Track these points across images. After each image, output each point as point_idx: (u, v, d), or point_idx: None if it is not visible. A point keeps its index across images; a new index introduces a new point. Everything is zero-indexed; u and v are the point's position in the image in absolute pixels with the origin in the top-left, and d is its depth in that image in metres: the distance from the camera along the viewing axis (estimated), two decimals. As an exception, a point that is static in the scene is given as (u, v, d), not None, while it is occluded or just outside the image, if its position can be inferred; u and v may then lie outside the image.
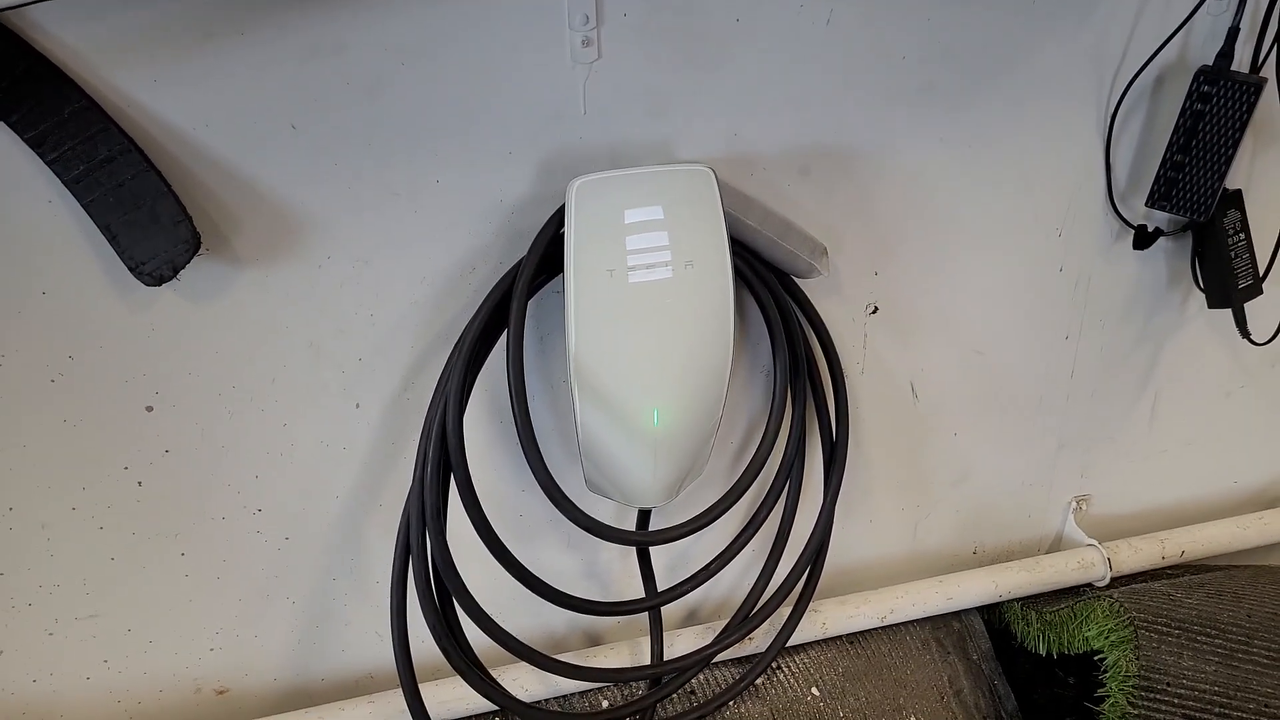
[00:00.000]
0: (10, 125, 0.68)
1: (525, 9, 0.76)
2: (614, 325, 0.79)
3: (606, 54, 0.79)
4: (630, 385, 0.81)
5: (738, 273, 0.86)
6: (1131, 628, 0.95)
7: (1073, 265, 1.00)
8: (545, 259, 0.79)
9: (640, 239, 0.78)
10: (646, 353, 0.80)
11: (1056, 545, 1.18)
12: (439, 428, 0.77)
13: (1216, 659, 0.94)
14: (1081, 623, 1.01)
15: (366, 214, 0.79)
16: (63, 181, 0.70)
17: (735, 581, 1.06)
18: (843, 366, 0.96)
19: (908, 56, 0.86)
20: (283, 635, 0.92)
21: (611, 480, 0.86)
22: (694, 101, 0.82)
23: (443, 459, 0.77)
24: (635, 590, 0.99)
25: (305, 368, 0.83)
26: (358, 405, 0.86)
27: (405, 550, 0.79)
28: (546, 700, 0.96)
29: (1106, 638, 0.97)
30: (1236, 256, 0.96)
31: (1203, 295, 1.01)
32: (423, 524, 0.77)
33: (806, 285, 0.92)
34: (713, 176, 0.78)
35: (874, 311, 0.97)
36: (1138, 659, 0.93)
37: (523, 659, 0.84)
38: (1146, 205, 0.95)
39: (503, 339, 0.79)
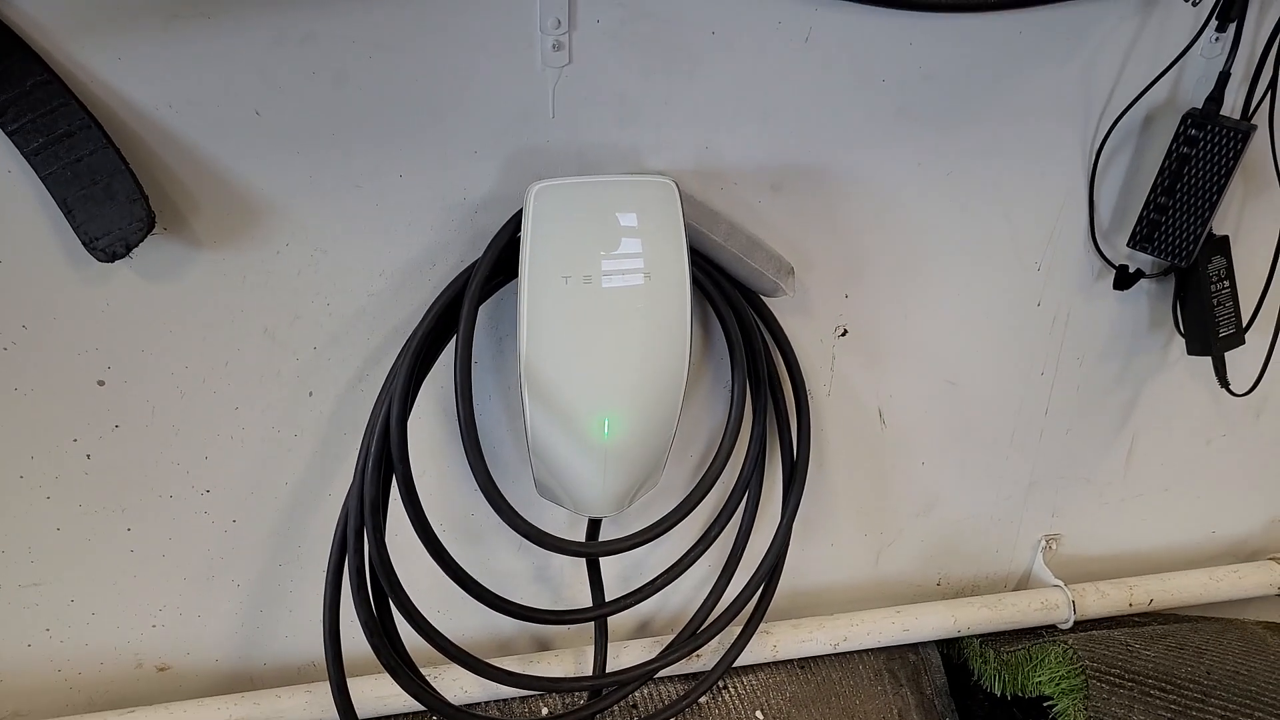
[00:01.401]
0: (-28, 95, 0.69)
1: (496, 9, 0.75)
2: (567, 333, 0.78)
3: (578, 59, 0.78)
4: (581, 395, 0.80)
5: (699, 287, 0.86)
6: (1083, 676, 0.93)
7: (1051, 300, 0.98)
8: (502, 261, 0.79)
9: (598, 248, 0.77)
10: (599, 363, 0.80)
11: (1024, 583, 1.16)
12: (381, 425, 0.77)
13: (1168, 715, 0.92)
14: (1036, 666, 0.99)
15: (327, 203, 0.79)
16: (21, 153, 0.70)
17: (689, 596, 1.05)
18: (808, 387, 0.95)
19: (887, 79, 0.84)
20: (226, 617, 0.92)
21: (561, 488, 0.86)
22: (665, 111, 0.82)
23: (384, 456, 0.77)
24: (587, 596, 0.98)
25: (260, 353, 0.83)
26: (310, 394, 0.85)
27: (342, 546, 0.78)
28: (485, 704, 0.96)
29: (1058, 684, 0.95)
30: (1219, 304, 0.94)
31: (1183, 340, 0.99)
32: (360, 520, 0.77)
33: (774, 304, 0.91)
34: (675, 189, 0.78)
35: (843, 334, 0.95)
36: (1086, 709, 0.91)
37: (456, 662, 0.84)
38: (1128, 246, 0.93)
39: (454, 340, 0.79)
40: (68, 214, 0.72)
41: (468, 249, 0.83)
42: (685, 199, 0.79)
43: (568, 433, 0.81)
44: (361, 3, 0.73)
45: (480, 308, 0.80)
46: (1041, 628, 1.08)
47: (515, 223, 0.78)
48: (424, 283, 0.84)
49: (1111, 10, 0.86)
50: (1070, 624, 1.07)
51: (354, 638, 0.81)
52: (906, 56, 0.84)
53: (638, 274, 0.78)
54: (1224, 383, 0.97)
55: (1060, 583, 1.09)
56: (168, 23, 0.70)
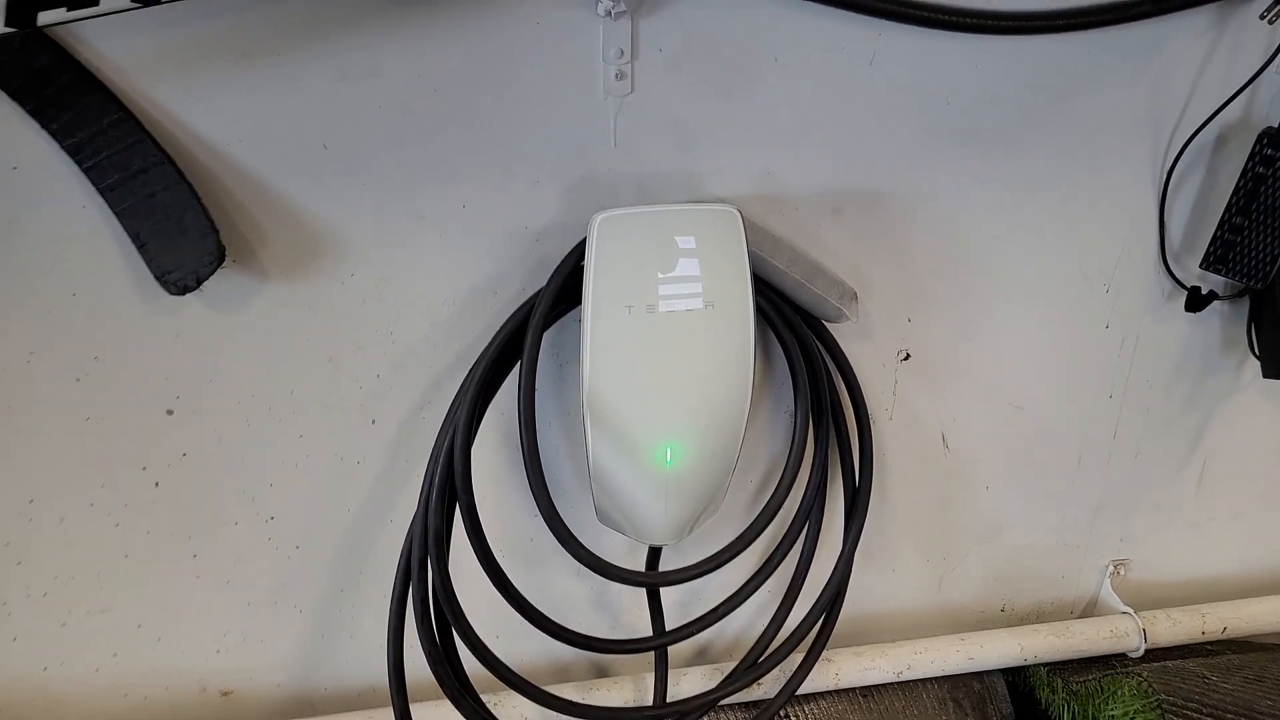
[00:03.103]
0: (51, 132, 0.70)
1: (560, 41, 0.75)
2: (630, 362, 0.78)
3: (640, 87, 0.78)
4: (644, 423, 0.80)
5: (762, 314, 0.85)
6: (1159, 710, 0.91)
7: (1120, 323, 0.96)
8: (565, 290, 0.78)
9: (661, 277, 0.76)
10: (662, 391, 0.79)
11: (1091, 609, 1.13)
12: (445, 454, 0.77)
13: (1249, 749, 0.89)
14: (1108, 698, 0.96)
15: (391, 234, 0.79)
16: (97, 189, 0.72)
17: (749, 621, 1.03)
18: (870, 412, 0.94)
19: (952, 101, 0.83)
20: (289, 642, 0.93)
21: (622, 515, 0.85)
22: (726, 138, 0.81)
23: (448, 486, 0.77)
24: (646, 622, 0.97)
25: (324, 381, 0.83)
26: (374, 421, 0.86)
27: (406, 574, 0.79)
28: (546, 730, 0.95)
29: (1132, 718, 0.92)
30: (1297, 325, 0.91)
31: (1258, 363, 0.96)
32: (424, 550, 0.77)
33: (836, 329, 0.90)
34: (738, 217, 0.77)
35: (906, 358, 0.94)
36: (1162, 743, 0.88)
37: (518, 691, 0.83)
38: (1201, 267, 0.91)
39: (517, 368, 0.79)
40: (140, 248, 0.73)
41: (529, 277, 0.83)
42: (747, 226, 0.79)
43: (630, 461, 0.81)
44: (425, 39, 0.73)
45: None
46: (1111, 656, 1.05)
47: (579, 252, 0.78)
48: (486, 310, 0.84)
49: (1183, 27, 0.84)
50: (1140, 652, 1.04)
51: (413, 660, 0.81)
52: (972, 79, 0.83)
53: (700, 302, 0.77)
54: (1302, 406, 0.94)
55: (1130, 610, 1.06)
56: (238, 60, 0.71)
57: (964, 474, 1.01)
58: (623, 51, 0.76)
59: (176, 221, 0.73)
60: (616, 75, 0.77)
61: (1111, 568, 1.10)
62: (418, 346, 0.84)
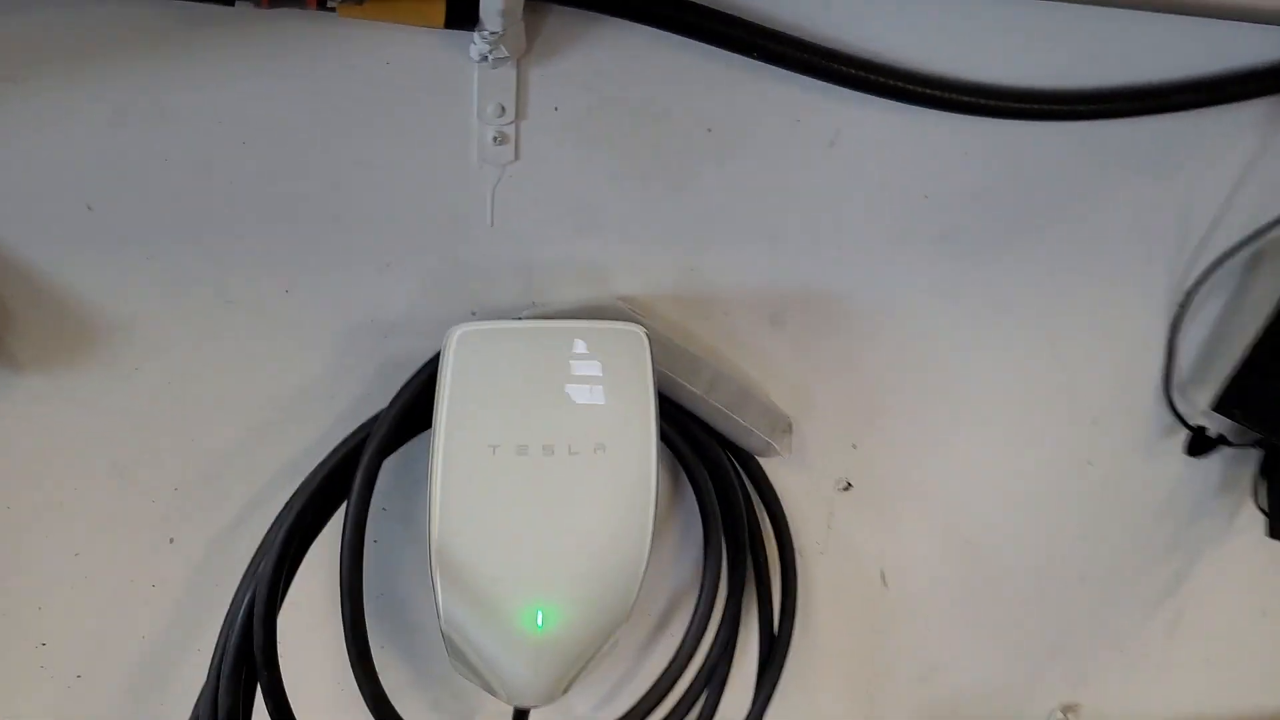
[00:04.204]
0: None
1: (420, 89, 0.56)
2: (493, 512, 0.60)
3: (527, 154, 0.59)
4: (509, 583, 0.62)
5: (669, 444, 0.67)
6: None
7: (1104, 460, 0.80)
8: (409, 418, 0.60)
9: (539, 413, 0.59)
10: (533, 547, 0.62)
11: (1033, 749, 1.00)
12: (244, 618, 0.59)
13: None
14: None
15: (190, 321, 0.60)
16: None
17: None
18: (799, 546, 0.78)
19: (930, 195, 0.66)
20: (70, 781, 0.76)
21: (481, 674, 0.68)
22: (641, 223, 0.63)
23: (243, 656, 0.60)
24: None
25: (105, 492, 0.65)
26: (171, 540, 0.68)
27: (186, 761, 0.61)
28: None
29: None
30: (1315, 486, 0.76)
31: (1262, 517, 0.81)
32: (209, 735, 0.60)
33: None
34: (644, 339, 0.59)
35: (847, 488, 0.77)
36: None
37: None
38: (1212, 408, 0.75)
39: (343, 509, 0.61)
40: None
41: (374, 380, 0.65)
42: (657, 341, 0.61)
43: (491, 622, 0.64)
44: (230, 75, 0.54)
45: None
46: (1050, 815, 0.92)
47: (429, 372, 0.60)
48: (321, 416, 0.65)
49: (1227, 121, 0.67)
50: (1083, 809, 0.91)
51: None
52: (957, 168, 0.65)
53: (589, 445, 0.60)
54: (1304, 570, 0.80)
55: (1076, 762, 0.93)
56: (-45, 88, 0.51)
57: (903, 613, 0.85)
58: (504, 109, 0.57)
59: None
60: (495, 138, 0.58)
61: (1060, 714, 0.96)
62: (230, 457, 0.65)
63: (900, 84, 0.60)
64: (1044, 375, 0.75)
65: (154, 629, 0.71)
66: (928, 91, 0.60)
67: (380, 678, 0.77)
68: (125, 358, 0.61)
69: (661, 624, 0.81)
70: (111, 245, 0.57)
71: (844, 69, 0.58)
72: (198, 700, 0.63)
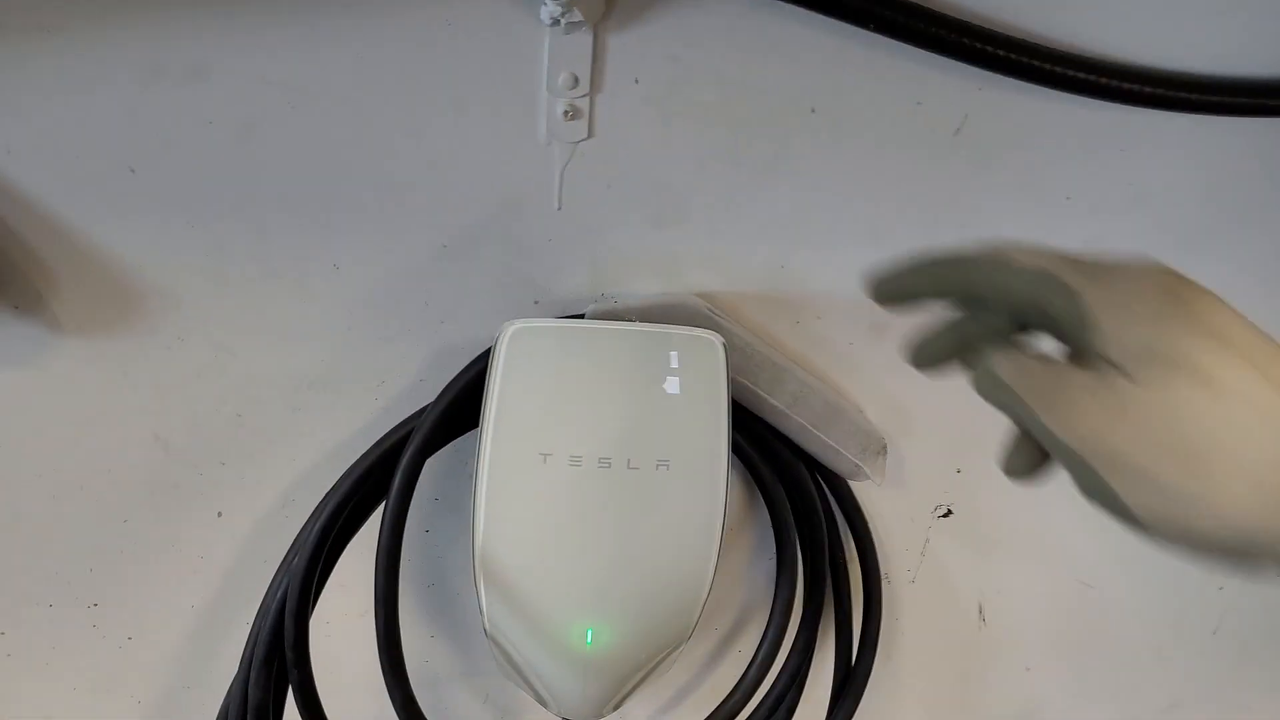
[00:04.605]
0: None
1: (484, 55, 0.50)
2: (542, 524, 0.55)
3: (601, 132, 0.52)
4: (558, 598, 0.57)
5: (746, 461, 0.61)
6: None
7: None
8: (457, 413, 0.55)
9: (594, 422, 0.52)
10: (584, 564, 0.56)
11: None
12: (276, 610, 0.56)
13: None
14: None
15: (233, 292, 0.56)
16: None
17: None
18: (886, 573, 0.70)
19: (1073, 197, 0.55)
20: (123, 735, 0.76)
21: (529, 682, 0.64)
22: (727, 213, 0.55)
23: (274, 650, 0.57)
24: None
25: (150, 463, 0.62)
26: (219, 514, 0.65)
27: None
28: None
29: None
30: None
31: None
32: (238, 727, 0.57)
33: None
34: (721, 350, 0.52)
35: (946, 514, 0.69)
36: None
37: None
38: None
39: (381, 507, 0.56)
40: None
41: (428, 366, 0.60)
42: (738, 348, 0.54)
43: (537, 636, 0.59)
44: (276, 33, 0.48)
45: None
46: None
47: (479, 367, 0.54)
48: (369, 402, 0.61)
49: None
50: None
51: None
52: (1113, 167, 0.55)
53: (650, 460, 0.53)
54: None
55: (1186, 828, 0.83)
56: (-11, 38, 0.47)
57: (1000, 651, 0.77)
58: (577, 79, 0.50)
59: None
60: (566, 112, 0.51)
61: (1173, 774, 0.86)
62: (276, 435, 0.62)
63: (1049, 66, 0.50)
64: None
65: (203, 599, 0.69)
66: (1084, 77, 0.50)
67: (430, 667, 0.75)
68: (167, 327, 0.57)
69: (730, 637, 0.75)
70: (154, 210, 0.53)
71: (979, 45, 0.49)
72: (228, 691, 0.60)
